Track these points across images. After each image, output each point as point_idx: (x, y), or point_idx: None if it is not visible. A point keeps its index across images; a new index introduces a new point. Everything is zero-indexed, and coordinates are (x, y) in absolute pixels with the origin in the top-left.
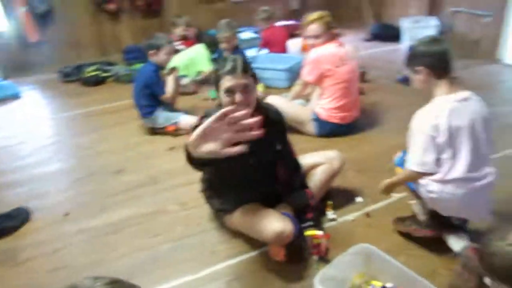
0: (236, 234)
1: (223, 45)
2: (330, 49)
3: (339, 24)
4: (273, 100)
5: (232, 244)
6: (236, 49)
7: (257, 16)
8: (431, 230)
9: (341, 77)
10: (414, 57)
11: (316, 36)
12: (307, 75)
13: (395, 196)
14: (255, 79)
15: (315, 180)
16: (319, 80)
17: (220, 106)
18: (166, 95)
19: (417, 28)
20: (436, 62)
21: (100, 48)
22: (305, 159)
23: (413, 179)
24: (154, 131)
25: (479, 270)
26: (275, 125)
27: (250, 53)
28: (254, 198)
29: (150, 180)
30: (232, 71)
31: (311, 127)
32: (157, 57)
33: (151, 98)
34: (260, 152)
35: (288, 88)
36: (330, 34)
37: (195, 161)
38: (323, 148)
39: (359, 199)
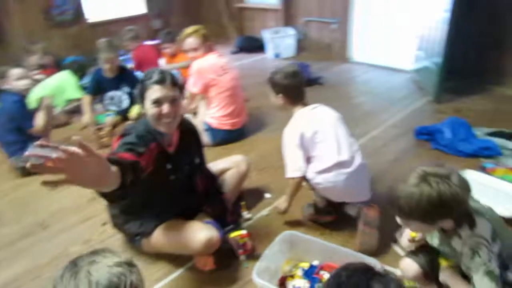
0: (157, 256)
1: (106, 66)
2: (210, 59)
3: (169, 32)
4: None
5: (156, 268)
6: (122, 70)
7: (123, 37)
8: (331, 216)
9: (225, 85)
10: (274, 85)
11: (195, 49)
12: (192, 86)
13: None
14: (181, 93)
15: (227, 185)
16: (205, 90)
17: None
18: (36, 128)
19: (278, 38)
20: (291, 93)
21: None
22: (213, 167)
23: (299, 184)
24: (28, 170)
25: (376, 223)
26: (192, 139)
27: None
28: (174, 214)
29: (36, 226)
30: (160, 82)
31: (205, 137)
32: (11, 85)
33: (19, 133)
34: (180, 168)
35: None
36: (207, 45)
37: (116, 195)
38: (221, 156)
39: (267, 195)
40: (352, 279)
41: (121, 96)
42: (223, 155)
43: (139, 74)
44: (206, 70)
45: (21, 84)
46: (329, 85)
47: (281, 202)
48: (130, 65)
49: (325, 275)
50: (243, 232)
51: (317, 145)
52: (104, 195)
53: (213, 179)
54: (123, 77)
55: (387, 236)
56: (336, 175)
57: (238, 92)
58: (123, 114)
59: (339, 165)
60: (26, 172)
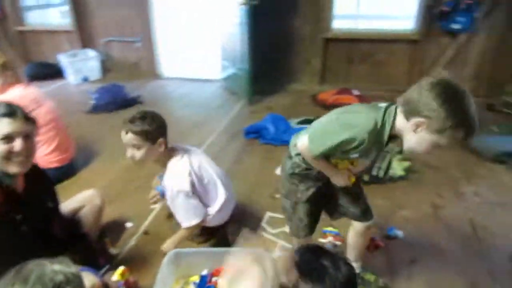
0: None
1: None
2: (17, 93)
3: None
4: None
5: None
6: None
7: None
8: (208, 237)
9: (43, 120)
10: (153, 130)
11: None
12: None
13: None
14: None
15: (84, 224)
16: None
17: None
18: None
19: (79, 61)
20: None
21: None
22: (64, 208)
23: (193, 231)
24: None
25: None
26: (41, 182)
27: None
28: None
29: None
30: (11, 114)
31: None
32: None
33: None
34: (32, 216)
35: None
36: (9, 76)
37: None
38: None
39: (129, 224)
40: (304, 256)
41: None
42: (61, 196)
43: None
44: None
45: None
46: (148, 103)
47: (168, 246)
48: None
49: (220, 280)
50: (121, 268)
51: (206, 187)
52: None
53: (71, 222)
54: None
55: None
56: (228, 205)
57: (59, 124)
58: None
59: (229, 196)
60: None
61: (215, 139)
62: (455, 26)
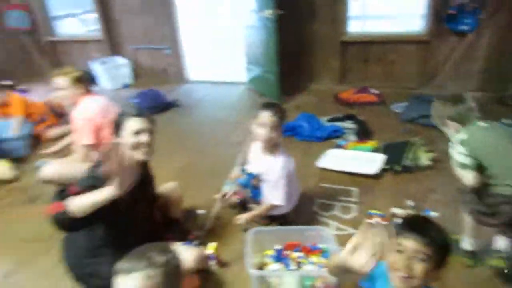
0: None
1: None
2: (89, 102)
3: (20, 81)
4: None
5: None
6: None
7: None
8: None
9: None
10: None
11: (61, 89)
12: (85, 138)
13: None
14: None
15: (173, 209)
16: (97, 136)
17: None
18: None
19: (112, 68)
20: None
21: None
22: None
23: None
24: None
25: None
26: (148, 174)
27: None
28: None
29: None
30: (140, 115)
31: None
32: None
33: None
34: (144, 200)
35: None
36: (82, 88)
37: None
38: None
39: (201, 211)
40: None
41: None
42: None
43: None
44: (90, 116)
45: None
46: (186, 106)
47: (242, 218)
48: None
49: (292, 254)
50: (213, 243)
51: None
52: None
53: (165, 206)
54: None
55: None
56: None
57: None
58: None
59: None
60: None
61: None
62: (462, 27)
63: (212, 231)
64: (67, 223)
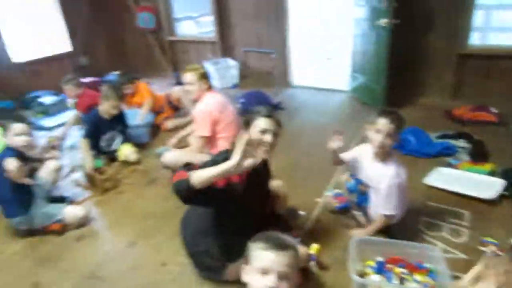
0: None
1: (112, 111)
2: (211, 98)
3: (141, 75)
4: (174, 155)
5: None
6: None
7: (65, 85)
8: None
9: (227, 119)
10: None
11: (191, 84)
12: (202, 131)
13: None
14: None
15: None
16: (213, 129)
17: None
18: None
19: (222, 69)
20: None
21: None
22: None
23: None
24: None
25: None
26: (267, 168)
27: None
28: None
29: (89, 279)
30: (269, 116)
31: None
32: (10, 140)
33: (22, 189)
34: (258, 191)
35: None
36: (205, 84)
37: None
38: None
39: (301, 212)
40: None
41: (115, 136)
42: None
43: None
44: (210, 110)
45: (19, 139)
46: (289, 110)
47: (361, 233)
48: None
49: (396, 268)
50: (316, 245)
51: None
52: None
53: (271, 202)
54: (118, 118)
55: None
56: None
57: (237, 124)
58: (112, 155)
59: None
60: (28, 234)
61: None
62: None
63: (312, 233)
64: (185, 192)
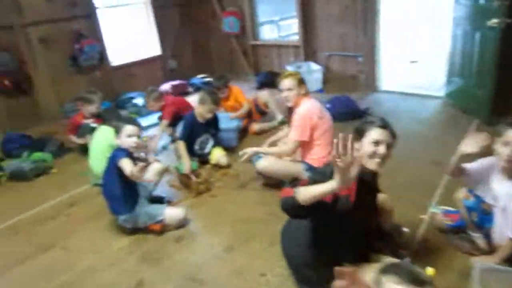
0: None
1: (207, 115)
2: (308, 104)
3: (221, 77)
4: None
5: None
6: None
7: (147, 98)
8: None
9: (324, 126)
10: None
11: (289, 89)
12: (300, 136)
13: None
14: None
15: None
16: (311, 134)
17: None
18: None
19: (306, 73)
20: None
21: None
22: None
23: None
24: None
25: None
26: (376, 183)
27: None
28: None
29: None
30: (383, 126)
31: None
32: (121, 141)
33: (130, 188)
34: (365, 206)
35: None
36: (303, 89)
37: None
38: None
39: (405, 229)
40: None
41: (208, 140)
42: None
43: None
44: (310, 115)
45: (130, 141)
46: (377, 116)
47: (485, 260)
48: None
49: None
50: (431, 269)
51: None
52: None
53: (379, 214)
54: (211, 121)
55: None
56: None
57: (332, 131)
58: (204, 158)
59: None
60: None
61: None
62: None
63: (419, 252)
64: (292, 209)
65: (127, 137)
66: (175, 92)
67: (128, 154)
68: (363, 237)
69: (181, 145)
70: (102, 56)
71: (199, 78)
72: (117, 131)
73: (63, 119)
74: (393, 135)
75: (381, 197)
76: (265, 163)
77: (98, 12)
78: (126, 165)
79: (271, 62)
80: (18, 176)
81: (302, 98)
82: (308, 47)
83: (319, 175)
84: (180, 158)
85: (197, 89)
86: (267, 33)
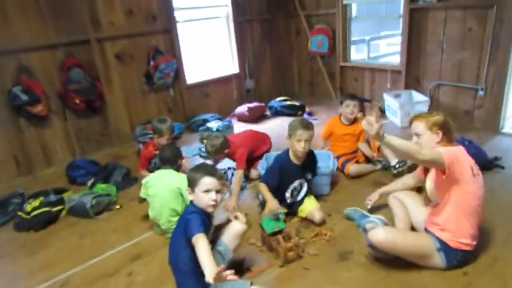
0: None
1: (301, 152)
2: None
3: (308, 100)
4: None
5: None
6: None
7: (210, 148)
8: None
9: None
10: None
11: (417, 135)
12: None
13: None
14: None
15: None
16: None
17: None
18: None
19: (409, 105)
20: None
21: (20, 166)
22: None
23: None
24: None
25: None
26: None
27: None
28: None
29: None
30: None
31: (438, 259)
32: (195, 197)
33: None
34: None
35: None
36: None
37: None
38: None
39: None
40: None
41: (302, 185)
42: None
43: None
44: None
45: (207, 198)
46: (509, 168)
47: None
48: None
49: None
50: None
51: None
52: None
53: None
54: (308, 161)
55: None
56: None
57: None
58: (293, 210)
59: None
60: None
61: None
62: None
63: None
64: None
65: (204, 192)
66: (251, 115)
67: (204, 218)
68: None
69: (263, 187)
70: (178, 74)
71: (278, 101)
72: (191, 183)
73: (133, 141)
74: None
75: None
76: (383, 235)
77: (178, 26)
78: (201, 248)
79: (362, 86)
80: (78, 212)
81: (439, 146)
82: (411, 73)
83: None
84: (263, 206)
85: (276, 113)
86: (353, 54)
